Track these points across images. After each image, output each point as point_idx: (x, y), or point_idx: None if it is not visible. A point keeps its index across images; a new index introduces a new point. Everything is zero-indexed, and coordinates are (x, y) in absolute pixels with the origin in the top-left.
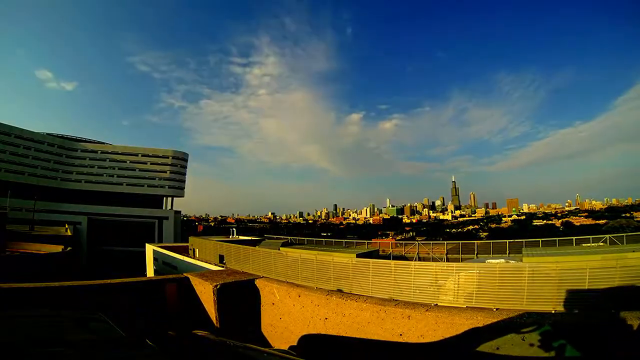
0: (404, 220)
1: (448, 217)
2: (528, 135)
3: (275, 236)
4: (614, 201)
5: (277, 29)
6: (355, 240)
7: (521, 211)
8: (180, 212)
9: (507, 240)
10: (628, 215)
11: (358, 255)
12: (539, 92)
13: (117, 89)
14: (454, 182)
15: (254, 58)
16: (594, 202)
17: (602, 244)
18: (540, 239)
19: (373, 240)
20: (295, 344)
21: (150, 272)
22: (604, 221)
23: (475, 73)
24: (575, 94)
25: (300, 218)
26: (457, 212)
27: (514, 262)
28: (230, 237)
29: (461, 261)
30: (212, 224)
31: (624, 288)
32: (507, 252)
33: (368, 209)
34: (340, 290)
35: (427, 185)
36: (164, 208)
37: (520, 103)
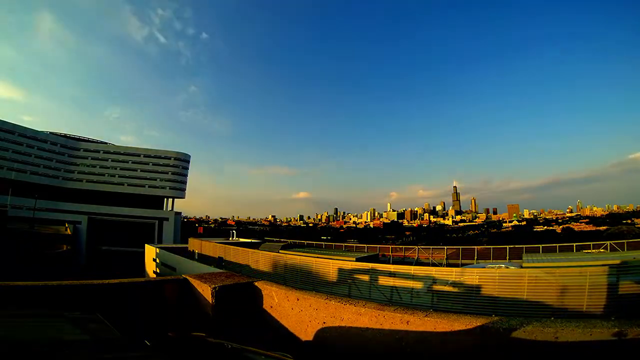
0: (404, 225)
1: (449, 222)
2: None
3: (275, 239)
4: (614, 207)
5: None
6: (355, 244)
7: (522, 217)
8: (180, 213)
9: (508, 246)
10: (629, 221)
11: (357, 259)
12: None
13: None
14: (455, 187)
15: None
16: (594, 209)
17: (602, 250)
18: (540, 245)
19: (373, 245)
20: (292, 347)
21: (149, 272)
22: (604, 227)
23: None
24: None
25: (301, 221)
26: (458, 217)
27: (513, 267)
28: (230, 239)
29: (461, 266)
30: (213, 225)
31: (625, 296)
32: (507, 257)
33: (368, 213)
34: (339, 294)
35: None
36: (164, 209)
37: None
